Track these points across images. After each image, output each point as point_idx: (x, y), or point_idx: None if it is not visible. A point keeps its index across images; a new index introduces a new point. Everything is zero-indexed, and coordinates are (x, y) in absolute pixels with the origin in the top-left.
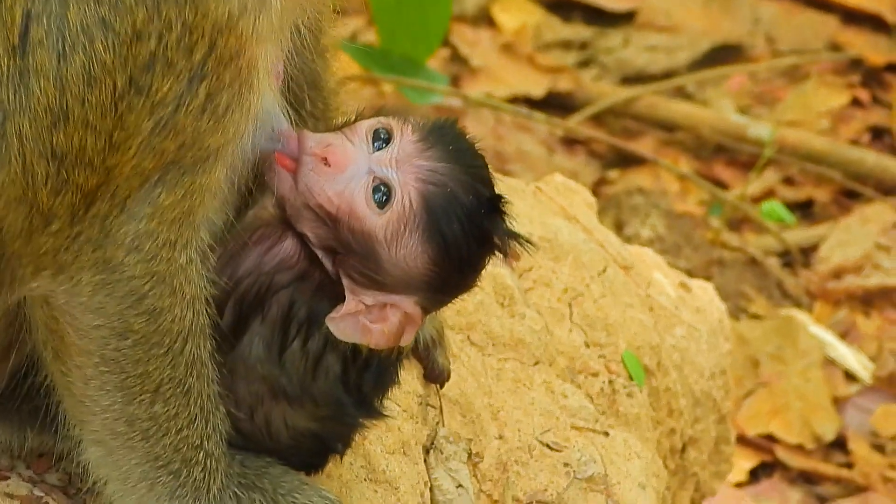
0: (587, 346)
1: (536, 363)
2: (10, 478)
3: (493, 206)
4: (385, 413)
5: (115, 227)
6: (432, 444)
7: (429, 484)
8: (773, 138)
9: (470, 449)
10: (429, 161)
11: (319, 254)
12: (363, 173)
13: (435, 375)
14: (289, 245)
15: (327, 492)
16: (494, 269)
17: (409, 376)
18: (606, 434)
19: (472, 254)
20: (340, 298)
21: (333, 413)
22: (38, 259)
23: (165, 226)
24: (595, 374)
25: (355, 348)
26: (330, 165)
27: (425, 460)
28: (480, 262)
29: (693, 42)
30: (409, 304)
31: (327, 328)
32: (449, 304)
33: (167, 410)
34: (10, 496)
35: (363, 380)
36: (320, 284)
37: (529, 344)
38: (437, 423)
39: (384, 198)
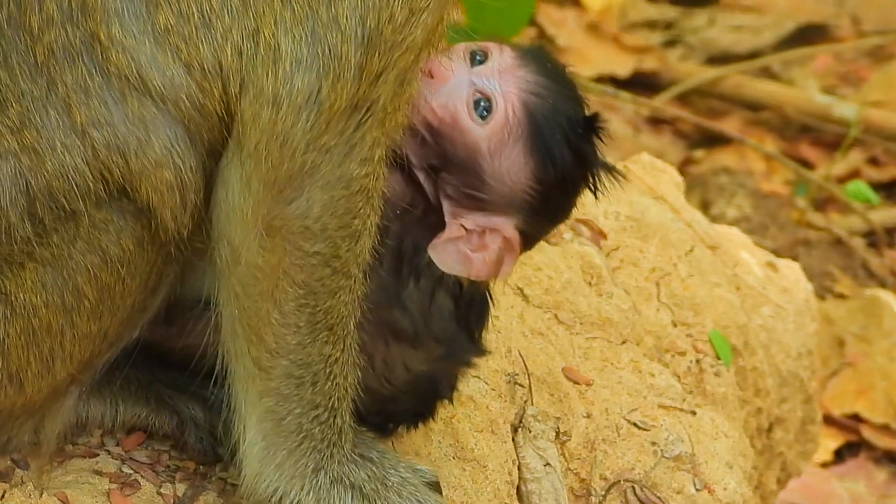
0: (674, 325)
1: (624, 342)
2: (98, 455)
3: (591, 125)
4: (488, 350)
5: (364, 136)
6: (520, 422)
7: (517, 462)
8: (858, 118)
9: (558, 427)
10: (530, 74)
11: (421, 176)
12: (465, 85)
13: None
14: (393, 178)
15: (423, 467)
16: (582, 247)
17: (497, 354)
18: (694, 413)
19: (571, 169)
20: (443, 229)
21: (449, 351)
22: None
23: (386, 136)
24: (682, 354)
25: (459, 284)
26: (433, 77)
27: (513, 439)
28: (578, 182)
29: (778, 22)
30: (508, 227)
31: (432, 262)
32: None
33: (334, 353)
34: (99, 473)
35: (471, 316)
36: (424, 215)
37: (617, 323)
38: (525, 402)
39: (486, 109)
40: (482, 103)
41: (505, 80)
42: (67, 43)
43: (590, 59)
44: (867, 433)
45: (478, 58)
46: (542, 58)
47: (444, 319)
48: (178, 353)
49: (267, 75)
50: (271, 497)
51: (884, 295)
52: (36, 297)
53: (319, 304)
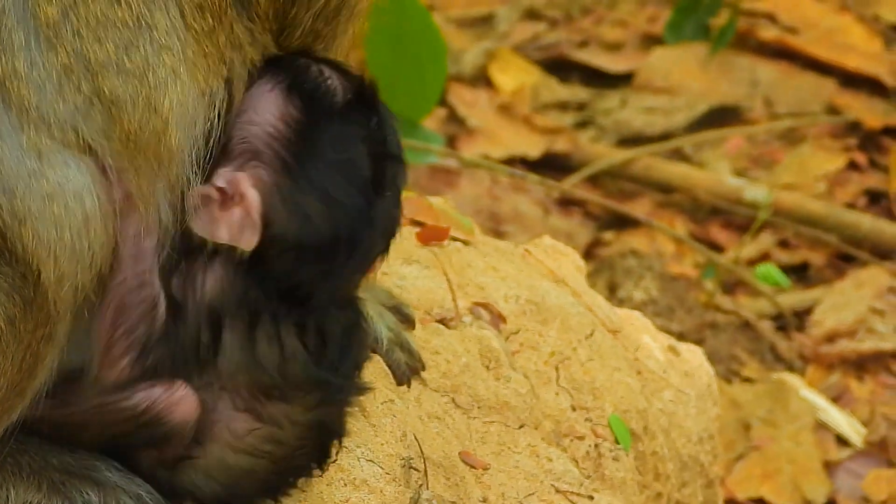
0: (573, 409)
1: (522, 426)
2: None
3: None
4: (368, 386)
5: None
6: None
7: None
8: (770, 201)
9: None
10: None
11: None
12: None
13: (400, 375)
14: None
15: None
16: (480, 331)
17: (392, 438)
18: (591, 498)
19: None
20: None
21: (323, 396)
22: None
23: None
24: (581, 438)
25: (301, 326)
26: None
27: None
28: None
29: (691, 104)
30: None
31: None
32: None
33: None
34: None
35: (329, 354)
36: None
37: (515, 407)
38: (421, 486)
39: None
40: None
41: None
42: None
43: (501, 141)
44: None
45: None
46: None
47: (300, 364)
48: (66, 427)
49: None
50: None
51: (791, 379)
52: None
53: None
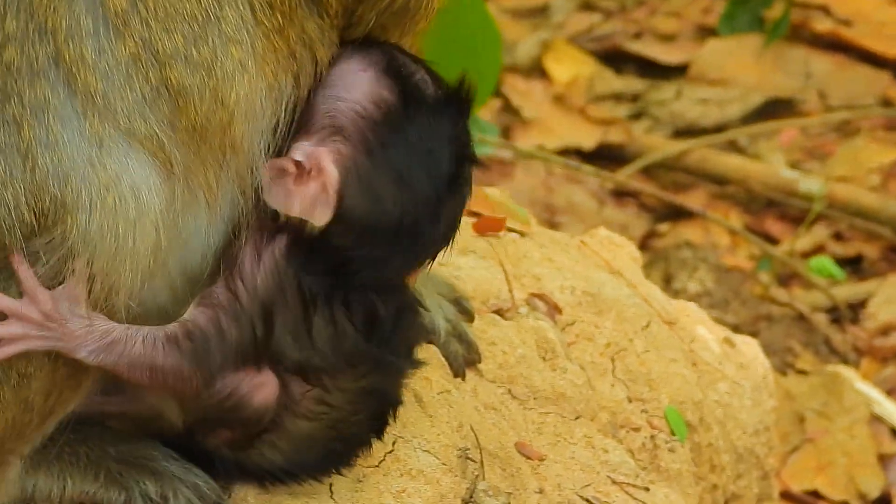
0: (629, 400)
1: (578, 417)
2: None
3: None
4: (421, 361)
5: None
6: (471, 497)
7: None
8: (823, 193)
9: (509, 503)
10: None
11: None
12: None
13: (456, 366)
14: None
15: None
16: (537, 322)
17: (449, 429)
18: (647, 489)
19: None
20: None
21: (370, 368)
22: None
23: None
24: (637, 429)
25: (348, 306)
26: None
27: None
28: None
29: (745, 96)
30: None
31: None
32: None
33: None
34: None
35: (379, 333)
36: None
37: (571, 398)
38: (477, 477)
39: None
40: None
41: None
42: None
43: (556, 132)
44: None
45: None
46: None
47: (351, 342)
48: (124, 419)
49: None
50: None
51: (845, 371)
52: None
53: None
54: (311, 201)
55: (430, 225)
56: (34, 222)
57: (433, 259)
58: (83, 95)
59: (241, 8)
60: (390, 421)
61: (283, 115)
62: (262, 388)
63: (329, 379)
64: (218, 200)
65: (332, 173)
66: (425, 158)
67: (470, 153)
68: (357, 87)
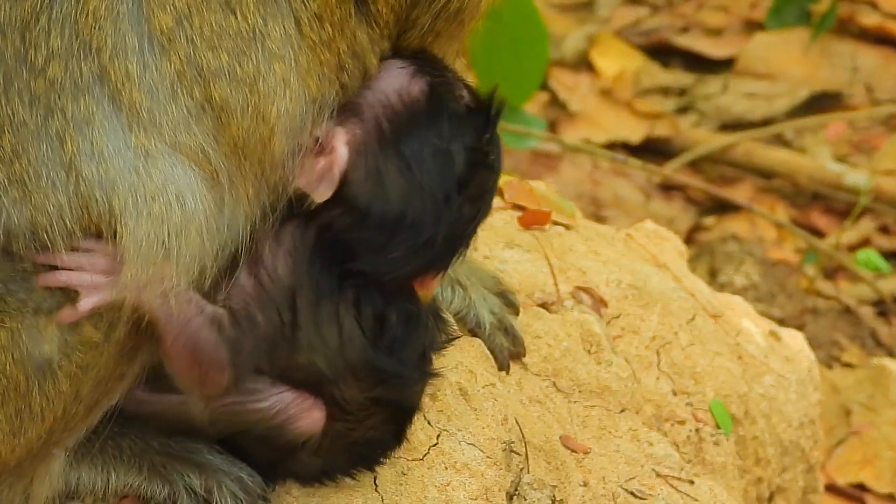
0: (674, 393)
1: (622, 410)
2: None
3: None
4: (435, 372)
5: None
6: (516, 490)
7: None
8: (870, 187)
9: (554, 496)
10: None
11: None
12: None
13: (501, 360)
14: None
15: None
16: (582, 315)
17: (494, 422)
18: (691, 482)
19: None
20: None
21: (378, 380)
22: None
23: None
24: (682, 422)
25: (358, 307)
26: None
27: None
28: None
29: (792, 89)
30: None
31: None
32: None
33: None
34: None
35: (386, 341)
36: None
37: (616, 391)
38: (521, 470)
39: None
40: None
41: None
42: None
43: (602, 125)
44: (872, 503)
45: None
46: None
47: (359, 349)
48: (167, 415)
49: None
50: None
51: (891, 364)
52: (3, 355)
53: None
54: (316, 177)
55: (434, 224)
56: (79, 232)
57: (443, 269)
58: (128, 110)
59: (286, 23)
60: (406, 428)
61: (324, 125)
62: (309, 413)
63: (336, 389)
64: (254, 209)
65: (341, 154)
66: (440, 159)
67: (490, 164)
68: (389, 80)
